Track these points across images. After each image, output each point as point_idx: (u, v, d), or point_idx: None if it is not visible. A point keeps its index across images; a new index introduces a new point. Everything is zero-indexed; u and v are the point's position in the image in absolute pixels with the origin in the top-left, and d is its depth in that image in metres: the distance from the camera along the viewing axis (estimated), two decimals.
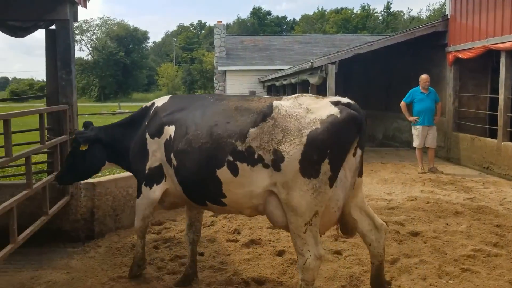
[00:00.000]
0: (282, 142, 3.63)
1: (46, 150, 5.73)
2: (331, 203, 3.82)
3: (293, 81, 16.90)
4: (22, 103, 53.94)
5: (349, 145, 3.71)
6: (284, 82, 18.93)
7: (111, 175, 7.30)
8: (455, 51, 12.24)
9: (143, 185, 4.55)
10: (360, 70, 19.57)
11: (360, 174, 4.01)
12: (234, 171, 3.81)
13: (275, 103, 3.84)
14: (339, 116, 3.61)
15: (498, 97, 10.77)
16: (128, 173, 6.71)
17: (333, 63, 12.35)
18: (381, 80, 17.68)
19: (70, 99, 5.89)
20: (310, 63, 13.14)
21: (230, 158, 3.81)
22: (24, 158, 4.81)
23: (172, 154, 4.21)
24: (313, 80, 13.45)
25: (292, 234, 3.78)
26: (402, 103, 11.02)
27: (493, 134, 12.16)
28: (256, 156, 3.72)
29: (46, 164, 6.16)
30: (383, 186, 9.30)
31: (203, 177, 3.99)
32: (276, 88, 22.14)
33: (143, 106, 4.89)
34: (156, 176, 4.44)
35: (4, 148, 4.24)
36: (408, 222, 6.68)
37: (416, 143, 10.92)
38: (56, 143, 5.44)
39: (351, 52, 13.02)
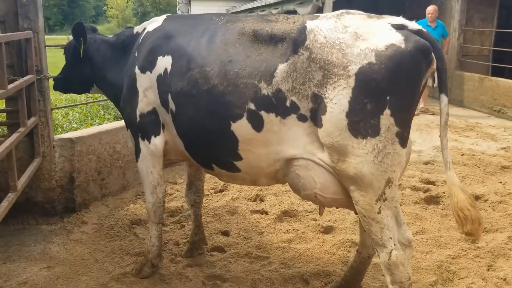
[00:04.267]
0: (323, 84, 2.53)
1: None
2: None
3: (274, 12, 15.15)
4: None
5: (418, 88, 2.58)
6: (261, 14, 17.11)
7: (93, 126, 5.72)
8: None
9: (139, 139, 3.37)
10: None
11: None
12: (257, 124, 2.73)
13: (309, 24, 2.65)
14: (403, 46, 2.45)
15: (505, 32, 9.73)
16: (114, 125, 5.26)
17: None
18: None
19: (35, 24, 4.20)
20: None
21: (252, 106, 2.72)
22: None
23: (169, 96, 3.07)
24: (304, 10, 11.85)
25: (362, 219, 2.66)
26: None
27: (497, 73, 11.27)
28: (288, 104, 2.64)
29: (5, 115, 4.49)
30: None
31: (213, 132, 2.91)
32: None
33: (134, 31, 3.57)
34: (151, 124, 3.28)
35: None
36: None
37: None
38: (20, 86, 3.82)
39: None
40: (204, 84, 2.85)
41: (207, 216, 4.56)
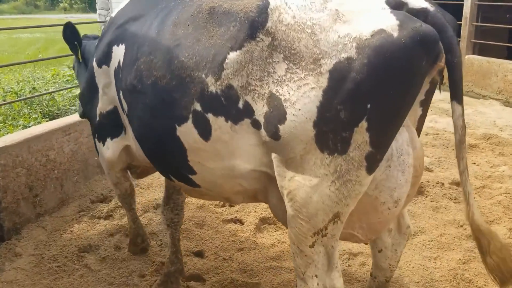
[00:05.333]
0: (284, 82, 1.88)
1: None
2: (381, 194, 2.05)
3: None
4: None
5: (412, 95, 1.87)
6: None
7: (18, 131, 4.68)
8: None
9: (95, 140, 3.10)
10: None
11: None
12: (204, 130, 2.14)
13: (273, 0, 1.95)
14: (396, 34, 1.74)
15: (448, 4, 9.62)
16: (45, 127, 4.39)
17: None
18: None
19: None
20: None
21: (198, 106, 2.13)
22: None
23: (121, 93, 2.56)
24: None
25: (291, 245, 2.12)
26: None
27: None
28: (241, 105, 2.02)
29: None
30: None
31: (160, 137, 2.38)
32: None
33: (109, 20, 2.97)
34: (110, 126, 2.86)
35: None
36: (434, 166, 5.26)
37: None
38: None
39: None
40: (148, 77, 2.28)
41: None
